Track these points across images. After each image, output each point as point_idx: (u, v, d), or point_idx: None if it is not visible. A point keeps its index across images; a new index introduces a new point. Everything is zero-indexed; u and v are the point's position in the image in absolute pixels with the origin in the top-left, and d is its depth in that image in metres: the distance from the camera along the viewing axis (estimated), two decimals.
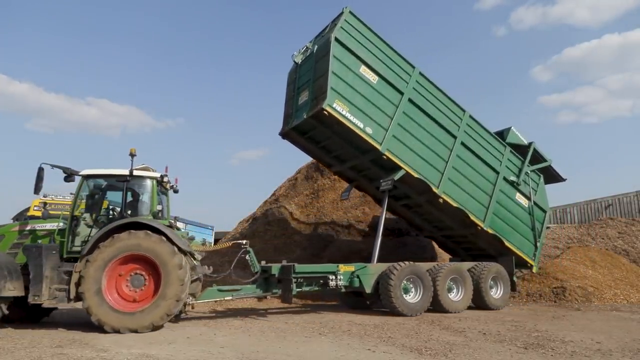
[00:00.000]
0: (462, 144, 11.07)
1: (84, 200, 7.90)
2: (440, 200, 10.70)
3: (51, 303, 7.06)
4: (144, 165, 8.18)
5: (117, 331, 6.70)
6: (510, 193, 11.81)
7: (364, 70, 9.85)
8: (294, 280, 8.78)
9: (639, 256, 16.38)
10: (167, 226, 7.48)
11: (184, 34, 76.67)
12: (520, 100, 73.77)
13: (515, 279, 11.56)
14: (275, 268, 8.99)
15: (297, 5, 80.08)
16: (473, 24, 70.23)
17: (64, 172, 7.41)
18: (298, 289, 9.03)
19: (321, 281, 9.25)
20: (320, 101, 9.36)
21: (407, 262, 9.66)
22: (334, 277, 9.15)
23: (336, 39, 9.48)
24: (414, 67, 10.59)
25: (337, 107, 9.37)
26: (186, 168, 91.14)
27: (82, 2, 69.12)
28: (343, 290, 9.47)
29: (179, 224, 10.46)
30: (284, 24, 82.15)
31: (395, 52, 10.46)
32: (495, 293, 10.91)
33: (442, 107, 10.94)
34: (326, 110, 9.25)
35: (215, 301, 9.15)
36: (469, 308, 10.55)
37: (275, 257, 14.30)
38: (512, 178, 11.77)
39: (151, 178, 7.81)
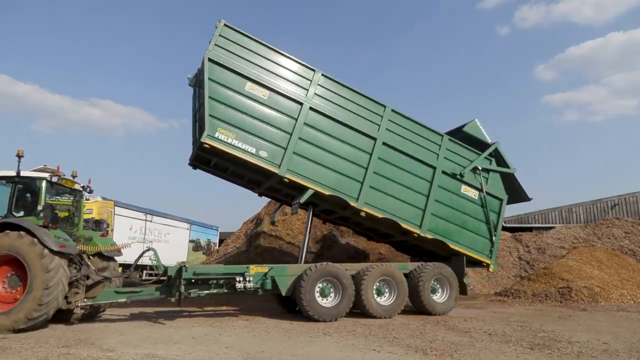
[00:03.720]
0: (385, 144, 9.78)
1: None
2: (363, 214, 9.63)
3: None
4: (41, 167, 8.17)
5: None
6: (453, 187, 10.47)
7: (251, 87, 8.82)
8: (183, 282, 8.20)
9: None
10: (41, 226, 7.23)
11: (186, 34, 77.00)
12: (524, 99, 73.50)
13: (466, 281, 10.44)
14: (171, 269, 8.38)
15: (297, 4, 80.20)
16: (476, 24, 70.07)
17: None
18: (206, 291, 8.56)
19: (229, 283, 8.66)
20: (202, 133, 8.50)
21: (324, 263, 9.06)
22: (241, 279, 8.54)
23: (210, 60, 8.55)
24: (314, 71, 9.42)
25: (221, 137, 8.47)
26: (190, 169, 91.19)
27: (87, 4, 69.55)
28: (260, 292, 8.89)
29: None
30: (287, 25, 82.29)
31: (289, 58, 9.31)
32: (441, 296, 9.87)
33: (355, 109, 9.72)
34: (207, 144, 8.37)
35: (113, 302, 8.46)
36: (413, 312, 9.86)
37: (280, 257, 14.34)
38: (453, 170, 10.42)
39: (40, 178, 7.76)
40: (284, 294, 8.92)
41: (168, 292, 8.41)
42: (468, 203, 10.63)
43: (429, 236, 10.10)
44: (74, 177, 8.53)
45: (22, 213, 7.63)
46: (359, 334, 7.17)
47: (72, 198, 8.66)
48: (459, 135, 10.88)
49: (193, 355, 5.42)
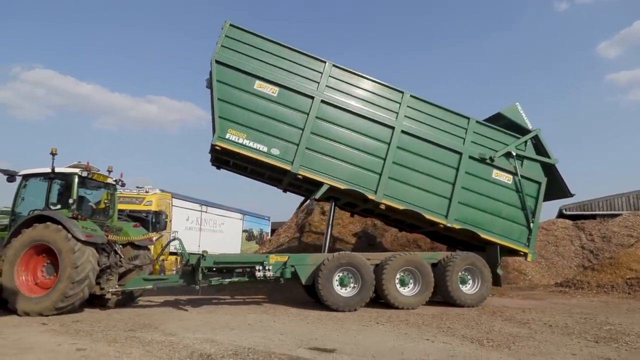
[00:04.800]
0: (404, 132, 9.39)
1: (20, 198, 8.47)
2: (383, 207, 9.33)
3: None
4: (75, 163, 8.65)
5: (27, 314, 7.25)
6: (483, 173, 9.80)
7: (259, 85, 8.79)
8: (203, 270, 8.47)
9: None
10: (71, 217, 7.75)
11: None
12: (585, 79, 69.21)
13: (500, 271, 9.79)
14: (193, 257, 8.62)
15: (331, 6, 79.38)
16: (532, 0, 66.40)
17: (4, 174, 8.24)
18: (228, 280, 8.73)
19: (249, 271, 8.80)
20: (213, 135, 8.62)
21: (343, 252, 9.13)
22: (260, 268, 8.67)
23: (217, 61, 8.60)
24: (324, 62, 9.19)
25: (232, 137, 8.55)
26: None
27: (138, 10, 72.47)
28: (282, 281, 8.98)
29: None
30: (327, 29, 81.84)
31: (298, 51, 9.13)
32: (471, 288, 9.48)
33: (371, 98, 9.41)
34: (218, 146, 8.50)
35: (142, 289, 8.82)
36: (435, 304, 9.39)
37: (331, 247, 14.42)
38: (482, 154, 9.75)
39: (72, 174, 8.29)
40: (304, 282, 9.02)
41: (192, 280, 8.73)
42: (501, 189, 9.92)
43: (457, 226, 9.61)
44: (109, 172, 9.09)
45: (58, 206, 8.25)
46: (412, 324, 7.13)
47: (106, 191, 9.23)
48: (500, 121, 10.24)
49: (249, 341, 5.59)
